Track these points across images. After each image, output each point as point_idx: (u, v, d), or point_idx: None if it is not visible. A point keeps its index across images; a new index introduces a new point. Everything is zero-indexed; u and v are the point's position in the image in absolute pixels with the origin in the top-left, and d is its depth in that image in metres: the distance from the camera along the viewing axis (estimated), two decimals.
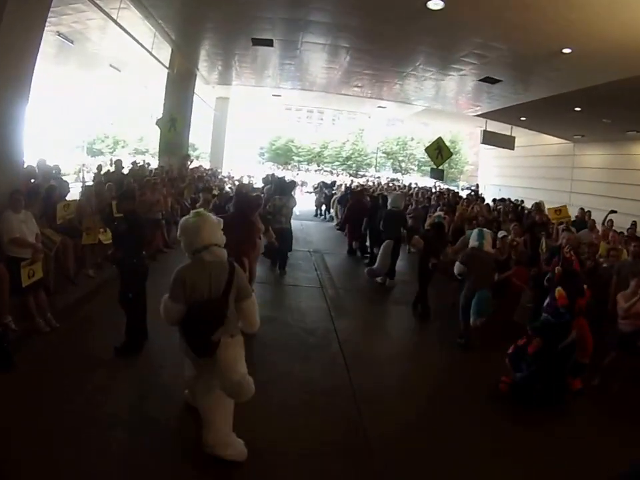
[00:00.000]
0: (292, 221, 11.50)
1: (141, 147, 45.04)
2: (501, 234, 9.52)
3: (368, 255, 12.72)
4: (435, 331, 8.20)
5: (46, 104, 34.28)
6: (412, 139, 48.08)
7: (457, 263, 7.42)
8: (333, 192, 22.03)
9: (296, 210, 12.72)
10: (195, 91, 21.07)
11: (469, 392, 5.92)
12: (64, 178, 10.63)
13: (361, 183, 28.84)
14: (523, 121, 21.51)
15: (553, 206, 11.43)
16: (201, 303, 3.87)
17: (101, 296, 7.66)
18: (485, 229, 7.89)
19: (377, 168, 49.42)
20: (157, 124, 16.25)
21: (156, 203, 10.67)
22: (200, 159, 36.64)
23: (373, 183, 29.11)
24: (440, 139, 15.99)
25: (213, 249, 3.95)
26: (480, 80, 15.70)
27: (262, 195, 10.70)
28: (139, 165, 14.47)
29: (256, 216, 7.75)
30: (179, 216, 13.00)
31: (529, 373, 5.69)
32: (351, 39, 13.46)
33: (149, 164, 17.45)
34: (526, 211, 14.37)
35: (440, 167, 16.80)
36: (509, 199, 16.88)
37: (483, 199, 16.67)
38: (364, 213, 12.67)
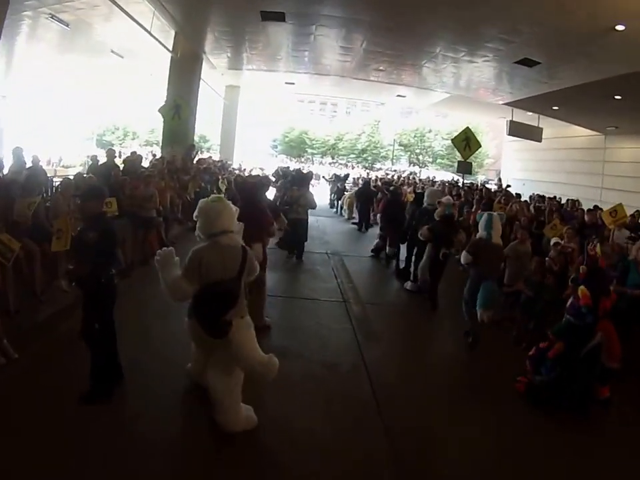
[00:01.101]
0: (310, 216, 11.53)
1: (152, 139, 43.60)
2: (553, 240, 8.25)
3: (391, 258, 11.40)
4: (494, 361, 6.52)
5: (53, 95, 33.43)
6: (429, 131, 46.30)
7: (464, 252, 7.08)
8: (346, 185, 21.27)
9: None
10: (204, 78, 19.92)
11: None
12: (69, 171, 9.31)
13: (379, 176, 27.32)
14: (554, 110, 20.00)
15: (585, 203, 10.01)
16: (215, 284, 3.95)
17: (77, 315, 5.97)
18: (494, 214, 7.33)
19: (394, 161, 47.69)
20: (159, 111, 15.03)
21: (149, 198, 9.18)
22: (211, 151, 35.45)
23: (392, 176, 27.48)
24: (468, 129, 15.00)
25: (231, 235, 4.12)
26: (516, 62, 14.21)
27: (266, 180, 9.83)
28: (137, 154, 12.96)
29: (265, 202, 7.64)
30: (179, 212, 11.78)
31: (549, 378, 5.39)
32: (371, 13, 12.06)
33: (154, 155, 16.06)
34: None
35: (467, 160, 15.60)
36: (554, 197, 15.32)
37: (520, 196, 15.12)
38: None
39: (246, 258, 4.15)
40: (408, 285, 9.58)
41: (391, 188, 13.11)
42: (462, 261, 7.11)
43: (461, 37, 13.05)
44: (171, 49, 16.14)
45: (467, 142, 14.67)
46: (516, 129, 21.42)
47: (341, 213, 19.65)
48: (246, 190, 6.98)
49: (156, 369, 5.09)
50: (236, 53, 18.36)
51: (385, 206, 11.75)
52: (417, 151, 46.30)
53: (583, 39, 11.14)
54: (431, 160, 46.15)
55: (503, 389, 5.65)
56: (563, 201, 14.55)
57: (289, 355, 5.86)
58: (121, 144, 41.68)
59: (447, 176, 35.43)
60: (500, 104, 21.04)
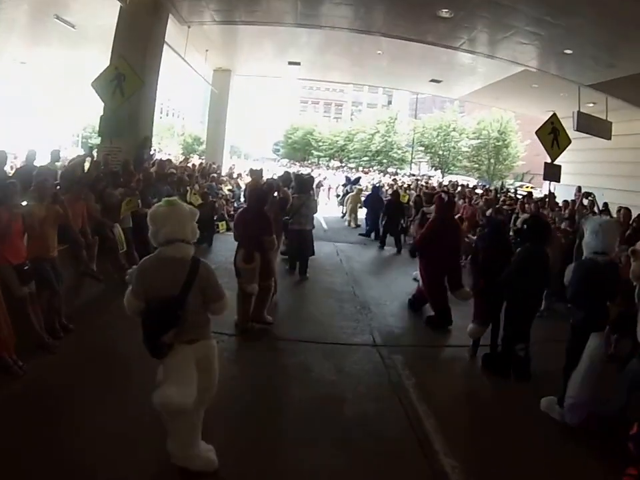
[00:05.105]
0: (322, 242, 10.57)
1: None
2: None
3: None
4: None
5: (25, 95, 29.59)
6: (454, 129, 41.09)
7: None
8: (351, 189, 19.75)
9: (321, 221, 10.78)
10: (186, 58, 14.97)
11: None
12: None
13: (408, 183, 22.42)
14: None
15: None
16: (155, 300, 3.55)
17: None
18: None
19: (414, 163, 42.77)
20: (92, 86, 9.68)
21: None
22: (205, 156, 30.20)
23: (428, 184, 22.46)
24: (555, 117, 11.41)
25: (178, 245, 3.60)
26: None
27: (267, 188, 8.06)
28: None
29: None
30: (93, 260, 6.47)
31: None
32: None
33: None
34: None
35: (561, 162, 11.93)
36: None
37: None
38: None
39: (196, 272, 3.58)
40: (555, 411, 4.68)
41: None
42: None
43: None
44: None
45: (554, 135, 11.29)
46: (584, 123, 16.10)
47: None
48: (251, 195, 6.86)
49: None
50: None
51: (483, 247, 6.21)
52: (440, 152, 40.93)
53: None
54: (455, 163, 40.97)
55: None
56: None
57: None
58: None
59: (470, 181, 30.69)
60: (585, 86, 15.90)
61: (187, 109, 56.07)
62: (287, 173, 11.51)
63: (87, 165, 8.40)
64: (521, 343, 5.46)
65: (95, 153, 9.56)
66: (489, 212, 9.41)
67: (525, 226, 5.66)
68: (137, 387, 4.16)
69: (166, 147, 43.28)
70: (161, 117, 51.33)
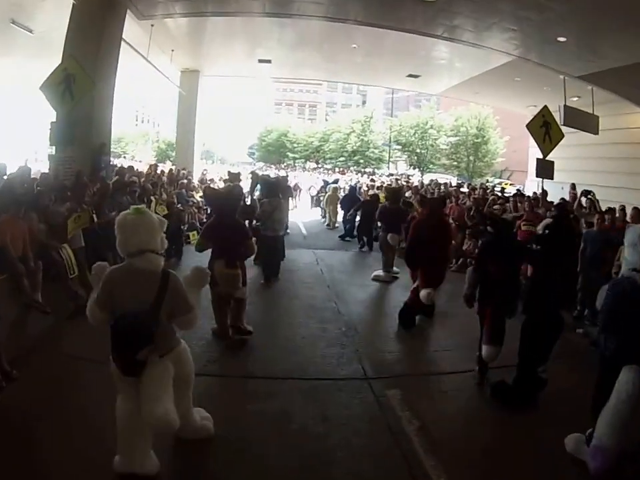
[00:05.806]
0: (301, 250, 10.68)
1: (117, 150, 38.36)
2: None
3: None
4: None
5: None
6: (431, 127, 40.41)
7: None
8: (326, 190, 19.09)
9: (301, 226, 11.24)
10: (150, 58, 14.34)
11: None
12: None
13: (387, 182, 21.80)
14: None
15: None
16: (126, 315, 3.31)
17: None
18: None
19: (391, 162, 42.24)
20: (40, 89, 8.93)
21: None
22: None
23: (408, 183, 21.69)
24: (546, 109, 10.99)
25: (149, 255, 3.43)
26: None
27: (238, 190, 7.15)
28: None
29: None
30: (37, 288, 5.65)
31: None
32: None
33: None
34: None
35: (548, 158, 11.29)
36: None
37: None
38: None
39: (166, 286, 3.38)
40: (584, 453, 3.79)
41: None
42: None
43: None
44: None
45: (546, 129, 10.80)
46: (571, 118, 15.56)
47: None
48: (218, 202, 6.24)
49: None
50: None
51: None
52: (418, 150, 40.33)
53: None
54: (434, 161, 40.45)
55: None
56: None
57: None
58: None
59: (449, 179, 30.18)
60: (574, 77, 15.49)
61: (161, 115, 55.42)
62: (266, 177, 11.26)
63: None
64: (542, 364, 4.70)
65: (29, 165, 8.72)
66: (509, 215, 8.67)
67: (547, 231, 4.88)
68: (99, 446, 3.41)
69: (139, 152, 42.52)
70: (136, 124, 50.64)
